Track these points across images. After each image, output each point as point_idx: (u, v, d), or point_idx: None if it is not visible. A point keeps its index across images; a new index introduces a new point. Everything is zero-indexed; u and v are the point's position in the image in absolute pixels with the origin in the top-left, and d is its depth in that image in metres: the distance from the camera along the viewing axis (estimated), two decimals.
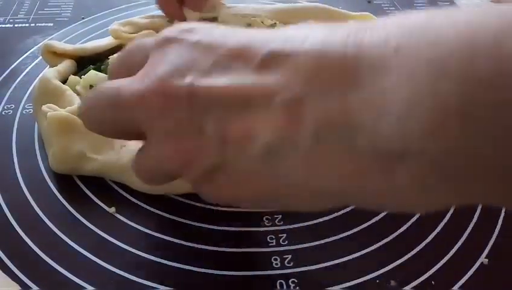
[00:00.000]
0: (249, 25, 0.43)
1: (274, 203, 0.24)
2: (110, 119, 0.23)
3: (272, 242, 0.30)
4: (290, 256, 0.29)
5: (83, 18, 0.55)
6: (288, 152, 0.19)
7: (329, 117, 0.17)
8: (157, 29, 0.43)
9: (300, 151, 0.18)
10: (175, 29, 0.23)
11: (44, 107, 0.33)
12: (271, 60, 0.19)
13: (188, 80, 0.20)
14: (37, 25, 0.53)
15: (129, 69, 0.24)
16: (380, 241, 0.30)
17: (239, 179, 0.21)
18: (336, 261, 0.29)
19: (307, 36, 0.19)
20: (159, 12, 0.46)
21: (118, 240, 0.29)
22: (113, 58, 0.38)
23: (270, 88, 0.18)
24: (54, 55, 0.40)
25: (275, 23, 0.43)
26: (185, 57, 0.21)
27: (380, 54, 0.17)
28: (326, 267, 0.28)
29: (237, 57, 0.20)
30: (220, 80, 0.19)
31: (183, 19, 0.44)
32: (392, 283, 0.27)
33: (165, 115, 0.20)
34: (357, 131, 0.17)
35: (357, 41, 0.17)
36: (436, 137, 0.15)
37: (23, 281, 0.27)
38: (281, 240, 0.30)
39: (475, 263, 0.29)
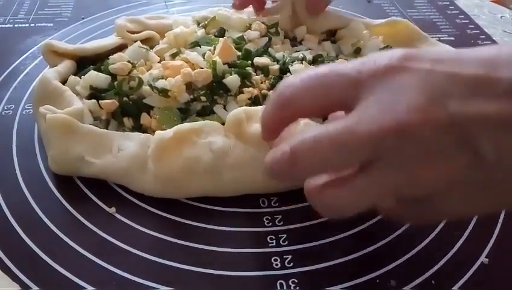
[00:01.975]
0: (249, 27, 0.43)
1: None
2: (339, 159, 0.22)
3: (272, 242, 0.30)
4: (290, 256, 0.29)
5: (83, 18, 0.55)
6: None
7: None
8: (162, 31, 0.43)
9: None
10: (393, 57, 0.21)
11: (42, 109, 0.33)
12: None
13: (454, 106, 0.19)
14: (37, 25, 0.53)
15: (327, 97, 0.23)
16: (380, 241, 0.30)
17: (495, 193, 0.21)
18: (336, 261, 0.29)
19: None
20: (164, 13, 0.46)
21: (118, 240, 0.29)
22: (113, 58, 0.38)
23: None
24: (54, 55, 0.40)
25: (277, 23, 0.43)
26: (430, 85, 0.20)
27: None
28: (326, 267, 0.28)
29: (486, 82, 0.20)
30: (484, 105, 0.19)
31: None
32: (392, 283, 0.27)
33: (421, 141, 0.20)
34: None
35: None
36: None
37: (23, 281, 0.27)
38: (281, 240, 0.30)
39: (475, 263, 0.29)
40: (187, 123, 0.33)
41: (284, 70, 0.38)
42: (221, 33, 0.43)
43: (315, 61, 0.40)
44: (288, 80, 0.24)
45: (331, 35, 0.46)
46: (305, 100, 0.23)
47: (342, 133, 0.21)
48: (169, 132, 0.31)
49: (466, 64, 0.20)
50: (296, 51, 0.42)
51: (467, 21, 0.59)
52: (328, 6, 0.46)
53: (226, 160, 0.31)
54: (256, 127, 0.31)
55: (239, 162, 0.31)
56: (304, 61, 0.39)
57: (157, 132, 0.32)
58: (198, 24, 0.45)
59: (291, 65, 0.38)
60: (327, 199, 0.23)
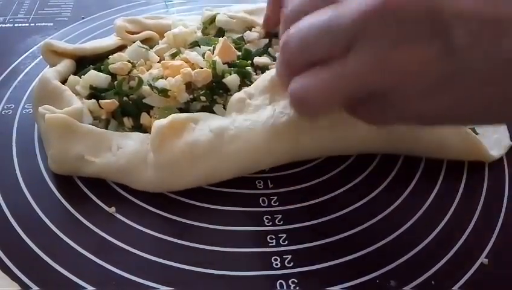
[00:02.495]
0: (248, 28, 0.43)
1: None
2: (320, 43, 0.23)
3: (272, 242, 0.30)
4: (290, 256, 0.29)
5: (83, 18, 0.55)
6: None
7: None
8: (161, 31, 0.43)
9: None
10: None
11: (41, 109, 0.33)
12: None
13: None
14: (37, 24, 0.53)
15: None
16: (380, 241, 0.30)
17: (470, 88, 0.21)
18: (336, 261, 0.29)
19: None
20: (164, 13, 0.46)
21: (118, 240, 0.29)
22: (113, 57, 0.38)
23: None
24: (54, 54, 0.39)
25: None
26: None
27: None
28: (326, 267, 0.28)
29: None
30: (463, 0, 0.20)
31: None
32: (392, 283, 0.28)
33: (397, 25, 0.21)
34: None
35: None
36: None
37: (23, 281, 0.27)
38: (281, 240, 0.30)
39: (475, 263, 0.29)
40: (184, 113, 0.33)
41: None
42: (221, 33, 0.43)
43: None
44: (293, 34, 0.25)
45: None
46: (311, 52, 0.24)
47: (327, 18, 0.23)
48: (166, 119, 0.31)
49: None
50: None
51: None
52: None
53: (226, 135, 0.32)
54: (184, 141, 0.31)
55: (240, 132, 0.32)
56: None
57: (156, 121, 0.32)
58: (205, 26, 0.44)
59: None
60: (298, 90, 0.24)
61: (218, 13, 0.44)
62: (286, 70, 0.26)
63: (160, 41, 0.42)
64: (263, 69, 0.38)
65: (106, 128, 0.35)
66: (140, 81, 0.36)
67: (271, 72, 0.35)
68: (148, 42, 0.42)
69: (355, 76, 0.22)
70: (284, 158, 0.34)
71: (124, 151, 0.32)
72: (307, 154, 0.35)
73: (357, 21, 0.21)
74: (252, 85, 0.35)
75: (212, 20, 0.44)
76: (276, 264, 0.28)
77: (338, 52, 0.22)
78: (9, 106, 0.40)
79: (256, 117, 0.33)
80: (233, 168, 0.33)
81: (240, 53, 0.39)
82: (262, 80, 0.35)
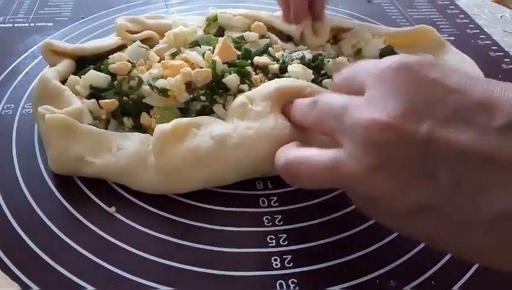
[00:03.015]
0: (248, 29, 0.43)
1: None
2: (325, 124, 0.25)
3: (272, 242, 0.30)
4: (290, 256, 0.29)
5: (83, 18, 0.55)
6: None
7: None
8: (161, 31, 0.43)
9: None
10: (413, 58, 0.22)
11: (40, 109, 0.33)
12: None
13: (427, 127, 0.20)
14: (36, 24, 0.53)
15: (351, 85, 0.25)
16: (380, 241, 0.30)
17: (449, 226, 0.20)
18: (336, 261, 0.29)
19: None
20: (164, 13, 0.46)
21: (118, 240, 0.29)
22: (113, 57, 0.38)
23: None
24: (53, 54, 0.40)
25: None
26: (422, 95, 0.21)
27: None
28: (326, 267, 0.28)
29: (480, 110, 0.19)
30: (463, 135, 0.19)
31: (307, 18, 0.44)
32: (392, 283, 0.27)
33: (396, 147, 0.21)
34: None
35: None
36: None
37: (23, 281, 0.27)
38: (281, 240, 0.30)
39: (475, 263, 0.29)
40: (186, 118, 0.33)
41: (284, 70, 0.38)
42: (221, 33, 0.43)
43: (315, 60, 0.40)
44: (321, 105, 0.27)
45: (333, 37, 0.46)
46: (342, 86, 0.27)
47: (340, 107, 0.24)
48: (169, 124, 0.31)
49: (470, 89, 0.20)
50: (296, 51, 0.42)
51: (467, 20, 0.59)
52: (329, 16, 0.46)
53: (228, 142, 0.32)
54: (186, 147, 0.31)
55: (242, 140, 0.32)
56: (302, 60, 0.39)
57: (158, 125, 0.32)
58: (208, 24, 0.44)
59: (291, 64, 0.38)
60: (293, 162, 0.26)
61: (223, 12, 0.44)
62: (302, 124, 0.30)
63: (160, 41, 0.42)
64: (263, 68, 0.38)
65: (106, 128, 0.35)
66: (140, 81, 0.36)
67: (278, 81, 0.34)
68: (148, 42, 0.42)
69: (343, 177, 0.23)
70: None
71: (124, 152, 0.32)
72: None
73: (356, 130, 0.22)
74: (254, 90, 0.35)
75: (216, 18, 0.44)
76: (276, 265, 0.28)
77: (334, 147, 0.24)
78: (9, 105, 0.40)
79: (258, 125, 0.32)
80: (234, 175, 0.33)
81: (239, 52, 0.39)
82: (266, 87, 0.34)
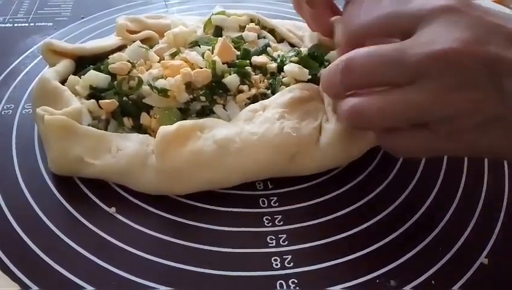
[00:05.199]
0: (243, 28, 0.43)
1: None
2: (385, 71, 0.26)
3: (272, 242, 0.30)
4: (290, 256, 0.29)
5: (83, 17, 0.55)
6: None
7: None
8: (161, 31, 0.43)
9: None
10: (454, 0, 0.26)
11: (39, 110, 0.33)
12: None
13: (494, 49, 0.24)
14: (36, 24, 0.53)
15: (390, 31, 0.28)
16: (380, 241, 0.30)
17: None
18: (336, 261, 0.29)
19: None
20: (164, 13, 0.46)
21: (118, 240, 0.29)
22: (113, 57, 0.38)
23: None
24: (53, 54, 0.39)
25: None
26: (477, 28, 0.24)
27: None
28: (326, 267, 0.28)
29: None
30: None
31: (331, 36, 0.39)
32: (392, 283, 0.28)
33: (458, 71, 0.24)
34: None
35: None
36: None
37: (23, 281, 0.27)
38: (281, 240, 0.30)
39: (475, 263, 0.29)
40: (189, 120, 0.33)
41: (282, 68, 0.38)
42: (218, 33, 0.43)
43: (311, 54, 0.39)
44: (357, 58, 0.27)
45: None
46: (375, 77, 0.27)
47: (394, 53, 0.26)
48: (173, 126, 0.31)
49: (507, 23, 0.25)
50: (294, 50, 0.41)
51: None
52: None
53: (231, 147, 0.32)
54: (188, 150, 0.31)
55: (245, 145, 0.32)
56: (299, 55, 0.38)
57: (161, 127, 0.32)
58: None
59: (287, 63, 0.38)
60: (361, 103, 0.27)
61: (225, 11, 0.44)
62: (343, 89, 0.29)
63: (160, 41, 0.42)
64: (261, 68, 0.38)
65: (106, 129, 0.35)
66: (140, 81, 0.36)
67: (293, 91, 0.35)
68: (148, 42, 0.42)
69: (417, 104, 0.25)
70: (285, 173, 0.34)
71: (123, 153, 0.32)
72: (307, 171, 0.34)
73: (424, 62, 0.24)
74: (270, 98, 0.35)
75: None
76: (276, 265, 0.28)
77: (402, 82, 0.26)
78: (9, 106, 0.40)
79: (262, 131, 0.32)
80: (235, 179, 0.33)
81: (239, 52, 0.39)
82: (282, 95, 0.35)
